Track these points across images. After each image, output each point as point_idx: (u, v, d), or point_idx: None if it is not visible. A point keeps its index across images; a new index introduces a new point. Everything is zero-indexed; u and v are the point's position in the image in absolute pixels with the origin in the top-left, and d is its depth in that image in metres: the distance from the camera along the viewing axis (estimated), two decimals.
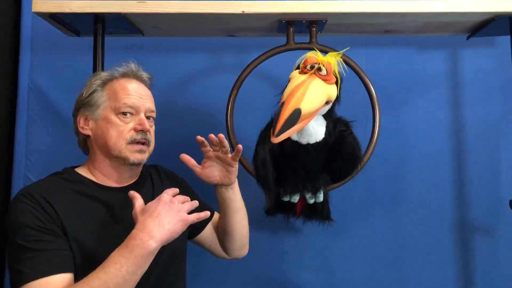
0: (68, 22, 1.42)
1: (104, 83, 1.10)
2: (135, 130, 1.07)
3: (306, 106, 1.13)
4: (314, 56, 1.21)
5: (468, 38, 1.57)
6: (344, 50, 1.29)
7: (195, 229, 1.26)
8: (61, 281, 0.92)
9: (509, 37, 1.44)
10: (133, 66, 1.13)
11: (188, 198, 1.00)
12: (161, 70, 1.70)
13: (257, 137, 1.37)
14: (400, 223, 1.68)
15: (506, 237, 1.63)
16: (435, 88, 1.70)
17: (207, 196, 1.30)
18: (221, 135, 1.08)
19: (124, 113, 1.06)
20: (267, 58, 1.44)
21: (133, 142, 1.06)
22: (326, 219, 1.47)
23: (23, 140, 1.71)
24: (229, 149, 1.11)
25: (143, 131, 1.07)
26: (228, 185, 1.16)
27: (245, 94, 1.48)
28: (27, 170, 1.70)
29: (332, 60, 1.22)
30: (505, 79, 1.48)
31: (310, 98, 1.14)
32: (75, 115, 1.11)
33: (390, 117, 1.64)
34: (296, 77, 1.20)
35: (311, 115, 1.17)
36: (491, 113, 1.68)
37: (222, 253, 1.31)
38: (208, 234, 1.29)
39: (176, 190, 1.00)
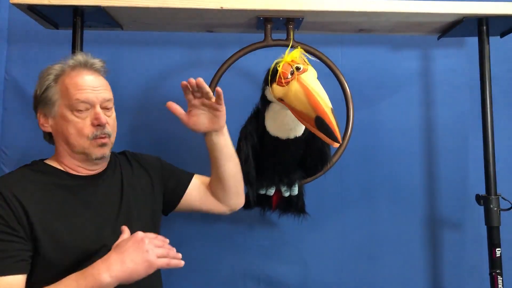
0: (46, 15, 1.41)
1: (57, 77, 1.07)
2: (93, 125, 1.05)
3: (327, 101, 1.14)
4: (285, 64, 1.21)
5: (438, 38, 1.63)
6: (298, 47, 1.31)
7: (170, 201, 1.26)
8: (10, 283, 0.91)
9: (477, 38, 1.50)
10: (80, 57, 1.09)
11: (166, 241, 0.97)
12: (140, 64, 1.71)
13: (234, 131, 1.39)
14: (373, 217, 1.72)
15: (473, 231, 1.69)
16: (407, 86, 1.76)
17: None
18: (199, 79, 1.09)
19: (79, 110, 1.04)
20: (245, 54, 1.46)
21: (95, 138, 1.05)
22: (301, 212, 1.51)
23: None
24: (211, 93, 1.12)
25: (100, 125, 1.05)
26: (218, 130, 1.17)
27: (223, 90, 1.46)
28: (2, 163, 1.69)
29: (297, 54, 1.23)
30: (473, 78, 1.53)
31: (322, 93, 1.15)
32: (35, 112, 1.11)
33: (363, 114, 1.68)
34: (289, 90, 1.18)
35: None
36: (460, 111, 1.74)
37: (218, 207, 1.29)
38: (193, 195, 1.28)
39: (155, 235, 0.97)
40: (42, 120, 1.08)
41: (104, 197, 1.10)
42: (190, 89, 1.11)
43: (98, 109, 1.06)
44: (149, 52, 1.73)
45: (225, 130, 1.19)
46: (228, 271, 1.70)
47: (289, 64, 1.20)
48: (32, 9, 1.35)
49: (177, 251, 0.96)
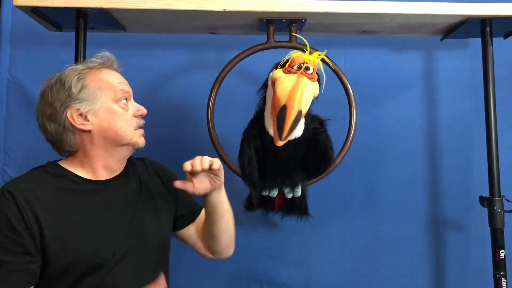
0: (49, 17, 1.41)
1: (86, 76, 1.05)
2: (135, 116, 1.09)
3: (305, 107, 1.19)
4: (300, 56, 1.24)
5: (442, 39, 1.62)
6: (324, 52, 1.32)
7: (178, 225, 1.24)
8: None
9: (480, 39, 1.49)
10: (109, 55, 1.11)
11: None
12: (143, 66, 1.72)
13: (237, 133, 1.39)
14: (376, 219, 1.72)
15: (476, 232, 1.68)
16: (411, 88, 1.76)
17: None
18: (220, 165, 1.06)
19: (123, 101, 1.07)
20: (248, 55, 1.46)
21: (139, 127, 1.09)
22: (304, 214, 1.50)
23: (2, 135, 1.70)
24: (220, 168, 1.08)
25: (141, 116, 1.10)
26: (219, 187, 1.12)
27: (226, 91, 1.50)
28: (5, 165, 1.69)
29: (316, 59, 1.25)
30: (477, 79, 1.53)
31: (306, 98, 1.19)
32: (54, 117, 1.03)
33: (366, 115, 1.68)
34: (285, 77, 1.22)
35: (305, 113, 1.22)
36: (464, 112, 1.74)
37: (207, 253, 1.28)
38: (191, 233, 1.27)
39: None
40: (78, 119, 1.02)
41: (119, 203, 1.08)
42: (200, 170, 1.05)
43: (134, 102, 1.11)
44: (152, 54, 1.74)
45: (223, 186, 1.14)
46: (231, 273, 1.70)
47: (304, 60, 1.22)
48: (35, 11, 1.36)
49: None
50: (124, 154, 1.10)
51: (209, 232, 1.22)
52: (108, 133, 1.04)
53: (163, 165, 1.28)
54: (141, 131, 1.11)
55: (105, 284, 0.99)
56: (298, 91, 1.18)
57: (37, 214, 0.94)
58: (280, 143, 1.17)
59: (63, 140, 1.05)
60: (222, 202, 1.16)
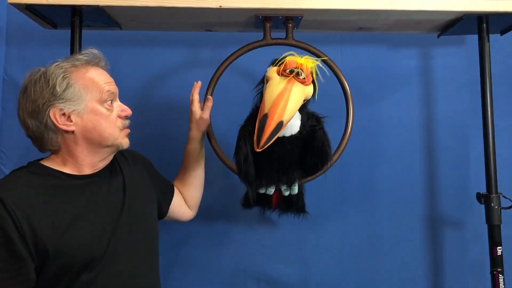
0: (44, 14, 1.40)
1: (71, 74, 1.03)
2: (120, 116, 1.08)
3: (287, 116, 1.18)
4: (293, 60, 1.23)
5: (438, 36, 1.62)
6: (322, 58, 1.34)
7: (160, 210, 1.30)
8: None
9: (477, 36, 1.49)
10: (96, 52, 1.10)
11: None
12: (139, 64, 1.71)
13: (233, 130, 1.38)
14: (373, 216, 1.72)
15: (474, 229, 1.68)
16: (408, 85, 1.75)
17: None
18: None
19: (108, 102, 1.06)
20: (244, 53, 1.45)
21: (124, 128, 1.09)
22: (301, 211, 1.50)
23: None
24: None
25: (126, 116, 1.10)
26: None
27: (222, 89, 1.49)
28: (1, 164, 1.69)
29: (310, 64, 1.25)
30: (474, 76, 1.53)
31: (291, 107, 1.19)
32: (36, 114, 1.01)
33: (363, 113, 1.68)
34: (275, 80, 1.22)
35: (290, 120, 1.22)
36: (461, 110, 1.74)
37: (187, 213, 1.42)
38: (175, 205, 1.36)
39: None
40: (61, 119, 1.01)
41: (107, 196, 1.08)
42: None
43: (119, 102, 1.10)
44: (148, 51, 1.73)
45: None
46: (228, 271, 1.70)
47: (298, 64, 1.21)
48: (30, 9, 1.35)
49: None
50: (107, 154, 1.10)
51: (191, 184, 1.40)
52: (92, 134, 1.04)
53: (137, 152, 1.31)
54: (126, 131, 1.11)
55: (101, 278, 0.99)
56: (283, 100, 1.17)
57: (30, 217, 0.93)
58: (257, 150, 1.18)
59: (44, 138, 1.03)
60: (202, 149, 1.42)
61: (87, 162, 1.07)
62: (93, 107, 1.03)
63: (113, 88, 1.09)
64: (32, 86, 1.02)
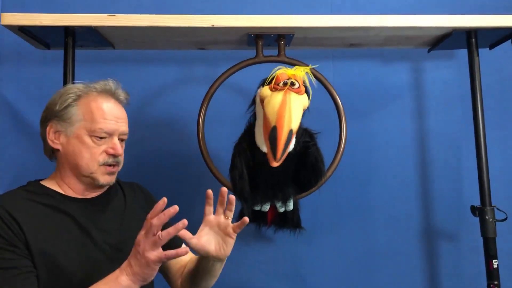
0: (37, 35, 1.41)
1: (79, 97, 1.06)
2: (107, 153, 1.06)
3: (295, 124, 1.20)
4: (284, 72, 1.25)
5: (429, 51, 1.64)
6: (313, 66, 1.33)
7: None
8: None
9: (466, 50, 1.51)
10: (111, 84, 1.10)
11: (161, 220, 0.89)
12: (132, 82, 1.71)
13: (228, 147, 1.39)
14: (368, 230, 1.72)
15: (469, 241, 1.69)
16: (399, 99, 1.77)
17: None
18: (232, 196, 1.04)
19: (99, 138, 1.04)
20: (237, 70, 1.46)
21: (105, 164, 1.06)
22: (297, 227, 1.50)
23: None
24: (232, 213, 1.05)
25: (115, 156, 1.06)
26: (223, 260, 1.09)
27: (216, 106, 1.50)
28: None
29: (300, 73, 1.27)
30: (464, 89, 1.55)
31: (296, 115, 1.20)
32: (44, 122, 1.07)
33: (356, 128, 1.69)
34: (272, 96, 1.22)
35: (297, 130, 1.22)
36: (453, 122, 1.75)
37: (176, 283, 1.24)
38: (169, 266, 1.23)
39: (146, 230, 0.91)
40: (52, 135, 1.06)
41: (104, 222, 1.08)
42: (212, 200, 1.04)
43: (116, 140, 1.07)
44: (141, 70, 1.74)
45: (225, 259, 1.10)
46: (224, 287, 1.68)
47: (289, 76, 1.23)
48: (23, 30, 1.36)
49: None
50: (90, 185, 1.08)
51: (191, 281, 1.18)
52: (72, 159, 1.05)
53: (151, 193, 1.27)
54: (108, 168, 1.06)
55: None
56: (287, 109, 1.18)
57: (21, 224, 0.95)
58: (275, 164, 1.18)
59: (45, 145, 1.09)
60: (218, 270, 1.13)
61: (73, 187, 1.08)
62: (80, 134, 1.04)
63: (109, 127, 1.05)
64: (53, 96, 1.08)
